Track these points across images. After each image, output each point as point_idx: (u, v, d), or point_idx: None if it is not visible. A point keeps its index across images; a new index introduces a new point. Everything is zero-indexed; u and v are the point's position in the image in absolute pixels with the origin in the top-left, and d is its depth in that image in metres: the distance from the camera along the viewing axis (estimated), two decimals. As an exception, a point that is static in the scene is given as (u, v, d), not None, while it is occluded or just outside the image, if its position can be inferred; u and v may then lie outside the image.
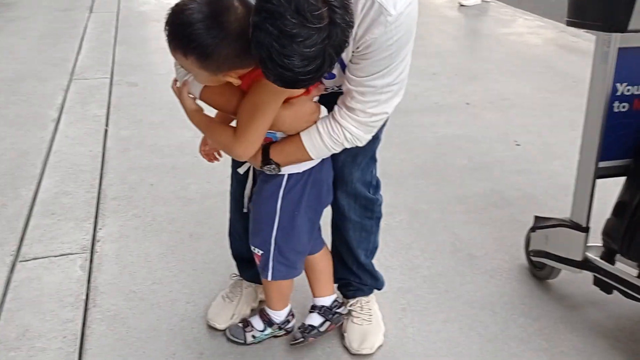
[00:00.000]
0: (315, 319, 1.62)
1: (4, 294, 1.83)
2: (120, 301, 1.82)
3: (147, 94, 3.53)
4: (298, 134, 1.30)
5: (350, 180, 1.50)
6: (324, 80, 1.31)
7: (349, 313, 1.67)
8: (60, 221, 2.21)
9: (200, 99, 1.30)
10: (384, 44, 1.12)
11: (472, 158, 2.77)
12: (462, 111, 3.32)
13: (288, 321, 1.64)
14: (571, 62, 4.13)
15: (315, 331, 1.61)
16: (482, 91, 3.61)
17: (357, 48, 1.15)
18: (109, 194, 2.42)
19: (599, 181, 1.67)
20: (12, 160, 2.68)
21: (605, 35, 1.56)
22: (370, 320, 1.66)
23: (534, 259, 1.92)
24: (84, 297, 1.83)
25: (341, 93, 1.29)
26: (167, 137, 2.93)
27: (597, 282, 1.71)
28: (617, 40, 1.55)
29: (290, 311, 1.64)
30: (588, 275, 1.72)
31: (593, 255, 1.72)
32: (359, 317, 1.65)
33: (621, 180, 1.68)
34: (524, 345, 1.67)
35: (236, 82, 1.18)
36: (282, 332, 1.64)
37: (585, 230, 1.70)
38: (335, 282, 1.70)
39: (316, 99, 1.34)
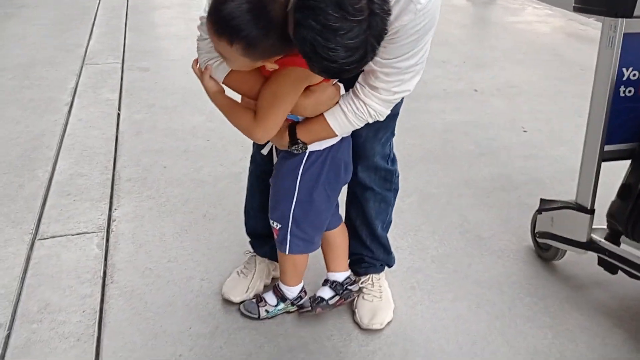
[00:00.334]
0: (326, 292, 1.67)
1: (25, 271, 1.89)
2: (137, 278, 1.88)
3: (158, 78, 3.57)
4: (322, 114, 1.34)
5: (372, 155, 1.56)
6: None
7: (360, 290, 1.72)
8: (76, 201, 2.27)
9: (224, 83, 1.34)
10: (411, 29, 1.16)
11: (480, 143, 2.81)
12: (470, 98, 3.35)
13: (300, 297, 1.69)
14: (579, 50, 4.14)
15: (324, 303, 1.66)
16: (489, 78, 3.64)
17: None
18: (123, 176, 2.47)
19: (604, 165, 1.71)
20: (28, 142, 2.74)
21: (612, 20, 1.59)
22: (381, 296, 1.71)
23: (539, 240, 1.97)
24: (101, 274, 1.89)
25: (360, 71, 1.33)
26: (179, 121, 2.98)
27: (601, 263, 1.75)
28: (623, 25, 1.57)
29: (303, 288, 1.69)
30: (592, 257, 1.77)
31: (598, 237, 1.76)
32: (369, 294, 1.70)
33: (626, 163, 1.71)
34: (530, 322, 1.72)
35: (272, 66, 1.22)
36: (294, 307, 1.70)
37: (591, 212, 1.74)
38: (348, 258, 1.75)
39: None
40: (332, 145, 1.45)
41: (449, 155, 2.69)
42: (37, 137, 2.79)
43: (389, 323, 1.68)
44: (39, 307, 1.73)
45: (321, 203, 1.50)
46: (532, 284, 1.88)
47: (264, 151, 1.56)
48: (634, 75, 1.69)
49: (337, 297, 1.67)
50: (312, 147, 1.43)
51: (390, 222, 1.74)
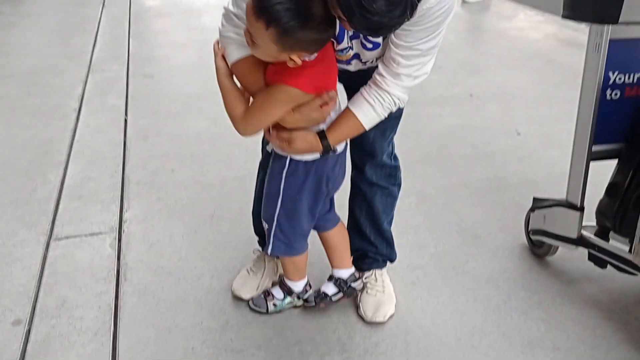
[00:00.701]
0: (330, 288, 1.75)
1: (42, 270, 1.97)
2: (149, 276, 1.96)
3: (163, 85, 3.67)
4: (351, 112, 1.41)
5: (380, 153, 1.66)
6: (366, 53, 1.40)
7: (364, 285, 1.81)
8: (87, 204, 2.36)
9: (231, 67, 1.37)
10: (435, 12, 1.24)
11: (476, 147, 2.91)
12: (466, 103, 3.46)
13: (306, 291, 1.77)
14: (571, 56, 4.25)
15: (328, 299, 1.75)
16: (485, 84, 3.75)
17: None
18: (132, 179, 2.56)
19: (593, 164, 1.80)
20: (38, 147, 2.82)
21: (598, 27, 1.69)
22: (384, 291, 1.80)
23: (533, 237, 2.06)
24: (115, 272, 1.97)
25: (366, 74, 1.42)
26: (185, 127, 3.07)
27: (591, 258, 1.84)
28: (609, 31, 1.67)
29: (308, 282, 1.78)
30: (583, 253, 1.85)
31: (588, 233, 1.86)
32: (372, 289, 1.79)
33: (614, 163, 1.81)
34: (524, 315, 1.81)
35: (298, 62, 1.25)
36: (301, 301, 1.78)
37: (580, 209, 1.83)
38: (352, 255, 1.83)
39: (329, 120, 1.45)
40: (316, 161, 1.50)
41: (446, 158, 2.79)
42: (47, 143, 2.87)
43: (391, 316, 1.77)
44: (56, 303, 1.81)
45: (302, 211, 1.56)
46: (526, 279, 1.97)
47: (269, 148, 1.62)
48: (620, 79, 1.78)
49: (341, 294, 1.75)
50: (295, 156, 1.48)
51: (393, 217, 1.84)
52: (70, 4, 5.79)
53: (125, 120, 3.14)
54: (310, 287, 1.79)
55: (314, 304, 1.75)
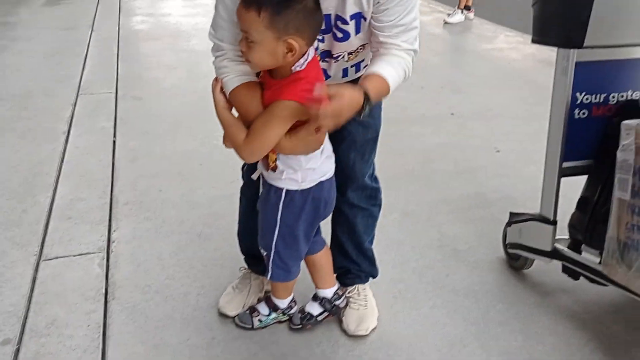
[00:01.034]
0: (315, 309, 1.81)
1: (32, 289, 2.01)
2: (137, 294, 2.00)
3: (151, 107, 3.73)
4: (385, 80, 1.39)
5: (361, 175, 1.72)
6: (336, 44, 1.44)
7: (347, 299, 1.86)
8: (77, 224, 2.40)
9: (229, 97, 1.42)
10: None
11: (457, 164, 3.00)
12: (448, 121, 3.56)
13: (291, 307, 1.83)
14: (549, 75, 4.25)
15: (314, 320, 1.81)
16: (466, 103, 3.85)
17: (378, 2, 1.34)
18: (120, 200, 2.61)
19: (566, 180, 1.88)
20: (28, 170, 2.87)
21: (565, 51, 1.79)
22: (366, 305, 1.85)
23: (510, 251, 2.13)
24: (103, 291, 2.01)
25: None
26: (173, 147, 3.14)
27: (565, 270, 1.92)
28: (575, 55, 1.77)
29: (293, 299, 1.83)
30: (558, 265, 1.93)
31: (561, 246, 1.93)
32: (355, 303, 1.85)
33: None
34: (502, 327, 1.87)
35: (295, 46, 1.28)
36: (286, 317, 1.83)
37: (553, 223, 1.91)
38: (335, 272, 1.89)
39: (326, 153, 1.52)
40: (311, 187, 1.53)
41: (428, 175, 2.87)
42: (36, 165, 2.92)
43: (373, 329, 1.82)
44: (46, 322, 1.85)
45: (300, 238, 1.61)
46: (504, 291, 2.04)
47: (254, 176, 1.66)
48: (587, 99, 1.87)
49: (326, 313, 1.81)
50: (289, 186, 1.52)
51: (374, 236, 1.90)
52: (59, 28, 5.87)
53: (114, 142, 3.19)
54: (295, 302, 1.84)
55: (300, 325, 1.80)
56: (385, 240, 2.29)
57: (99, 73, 4.40)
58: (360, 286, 1.89)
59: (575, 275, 1.89)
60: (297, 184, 1.52)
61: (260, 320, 1.81)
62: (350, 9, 1.36)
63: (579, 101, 1.86)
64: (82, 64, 4.59)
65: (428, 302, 1.98)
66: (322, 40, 1.43)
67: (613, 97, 1.89)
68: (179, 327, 1.85)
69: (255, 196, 1.70)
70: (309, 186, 1.53)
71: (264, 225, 1.62)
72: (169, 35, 5.66)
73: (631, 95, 1.89)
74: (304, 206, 1.55)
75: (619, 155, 1.64)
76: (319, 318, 1.81)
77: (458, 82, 4.28)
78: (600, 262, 1.77)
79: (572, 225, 1.93)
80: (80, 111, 3.63)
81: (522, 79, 4.34)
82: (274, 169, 1.51)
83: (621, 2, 1.73)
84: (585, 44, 1.74)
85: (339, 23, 1.39)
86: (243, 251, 1.94)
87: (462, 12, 6.15)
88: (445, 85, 4.18)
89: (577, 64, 1.79)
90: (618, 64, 1.86)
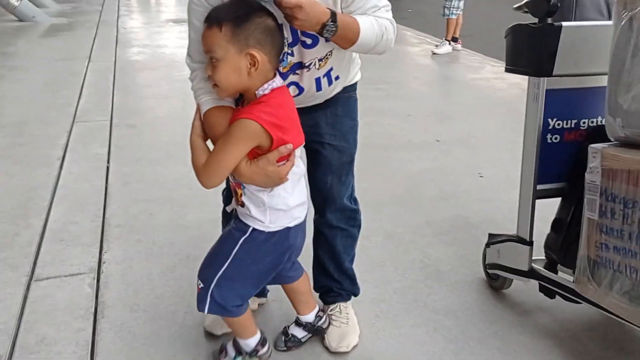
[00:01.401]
0: (299, 332, 1.85)
1: (22, 309, 2.05)
2: (126, 313, 2.05)
3: (145, 134, 3.82)
4: (354, 18, 1.44)
5: (340, 197, 1.79)
6: (306, 52, 1.48)
7: (329, 317, 1.91)
8: (69, 247, 2.45)
9: (203, 118, 1.45)
10: None
11: (442, 189, 3.08)
12: (434, 148, 3.66)
13: (257, 350, 1.71)
14: None
15: (298, 341, 1.85)
16: (451, 130, 3.97)
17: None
18: (112, 223, 2.67)
19: (545, 202, 1.95)
20: (23, 194, 2.93)
21: (535, 79, 1.89)
22: (348, 323, 1.90)
23: (489, 271, 2.20)
24: (92, 310, 2.06)
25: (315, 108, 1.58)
26: (165, 173, 3.21)
27: (542, 289, 1.98)
28: (545, 83, 1.87)
29: (261, 339, 1.72)
30: (536, 285, 1.99)
31: (538, 266, 2.00)
32: (337, 320, 1.90)
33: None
34: (481, 344, 1.92)
35: (258, 58, 1.33)
36: (256, 358, 1.72)
37: (529, 243, 1.98)
38: (317, 291, 1.95)
39: (298, 200, 1.52)
40: (279, 231, 1.50)
41: (413, 199, 2.95)
42: (31, 190, 2.98)
43: (355, 347, 1.87)
44: (36, 340, 1.89)
45: (251, 279, 1.56)
46: (483, 310, 2.09)
47: (228, 208, 1.64)
48: (559, 124, 1.97)
49: (310, 335, 1.86)
50: (258, 227, 1.49)
51: (354, 255, 1.96)
52: (57, 59, 6.01)
53: (107, 168, 3.27)
54: (265, 343, 1.73)
55: (285, 348, 1.84)
56: (369, 261, 2.36)
57: (94, 102, 4.51)
58: (342, 304, 1.95)
59: (551, 294, 1.95)
60: (264, 226, 1.49)
61: None
62: None
63: (551, 126, 1.95)
64: (78, 93, 4.70)
65: (409, 321, 2.03)
66: (292, 54, 1.49)
67: (584, 122, 1.99)
68: (165, 345, 1.90)
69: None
70: (276, 229, 1.51)
71: (212, 256, 1.58)
72: (164, 66, 5.80)
73: (601, 121, 1.98)
74: (265, 249, 1.52)
75: (587, 177, 1.72)
76: (303, 340, 1.86)
77: (444, 110, 4.40)
78: (574, 281, 1.84)
79: (547, 246, 2.00)
80: (76, 138, 3.72)
81: (506, 107, 4.47)
82: (242, 204, 1.50)
83: (586, 34, 1.84)
84: (554, 73, 1.84)
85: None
86: None
87: (449, 43, 6.34)
88: (432, 113, 4.30)
89: (548, 91, 1.89)
90: (588, 91, 1.96)
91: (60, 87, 4.92)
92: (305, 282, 1.81)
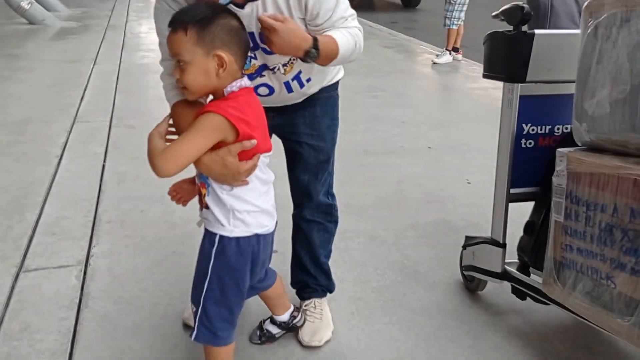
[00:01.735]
0: (274, 329, 1.91)
1: (9, 297, 2.12)
2: (110, 304, 2.11)
3: (143, 134, 3.80)
4: (332, 37, 1.47)
5: (316, 193, 1.86)
6: (268, 57, 1.52)
7: (304, 315, 1.96)
8: (59, 240, 2.53)
9: (170, 110, 1.50)
10: None
11: (428, 193, 3.13)
12: (425, 154, 3.71)
13: None
14: None
15: (272, 337, 1.91)
16: (444, 137, 4.01)
17: (307, 13, 1.46)
18: (103, 219, 2.74)
19: (519, 205, 2.00)
20: (19, 190, 3.02)
21: (509, 85, 1.94)
22: (321, 318, 1.96)
23: (465, 273, 2.24)
24: (77, 300, 2.12)
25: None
26: (158, 172, 3.28)
27: (514, 291, 2.02)
28: (518, 89, 1.92)
29: None
30: (509, 286, 2.03)
31: (511, 268, 2.04)
32: (311, 316, 1.95)
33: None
34: (452, 343, 1.96)
35: (226, 59, 1.34)
36: None
37: (503, 246, 2.03)
38: (293, 287, 2.01)
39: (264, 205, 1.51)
40: (246, 237, 1.49)
41: (399, 203, 3.00)
42: (28, 186, 3.07)
43: (327, 342, 1.92)
44: (20, 327, 1.96)
45: (231, 291, 1.52)
46: (458, 310, 2.14)
47: (198, 224, 1.61)
48: (533, 130, 2.02)
49: (284, 331, 1.92)
50: (223, 232, 1.47)
51: (330, 251, 2.02)
52: (63, 61, 6.13)
53: (103, 166, 3.35)
54: None
55: (259, 342, 1.90)
56: (349, 262, 2.41)
57: (96, 103, 4.61)
58: (317, 300, 2.00)
59: (522, 296, 1.99)
60: (228, 230, 1.47)
61: None
62: None
63: (525, 131, 2.01)
64: (81, 95, 4.81)
65: (384, 318, 2.07)
66: (255, 57, 1.54)
67: (558, 128, 2.04)
68: (145, 335, 1.96)
69: None
70: (240, 235, 1.48)
71: (195, 277, 1.56)
72: (168, 70, 5.89)
73: (574, 127, 2.03)
74: (237, 260, 1.49)
75: (554, 180, 1.77)
76: (277, 336, 1.92)
77: (440, 118, 4.45)
78: (542, 282, 1.88)
79: (520, 248, 2.05)
80: (75, 137, 3.81)
81: (501, 117, 4.50)
82: (207, 206, 1.49)
83: (559, 41, 1.89)
84: (527, 79, 1.90)
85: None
86: None
87: (450, 53, 6.40)
88: (427, 121, 4.36)
89: (523, 97, 1.94)
90: (562, 98, 2.00)
91: (65, 88, 5.03)
92: (279, 286, 1.83)
